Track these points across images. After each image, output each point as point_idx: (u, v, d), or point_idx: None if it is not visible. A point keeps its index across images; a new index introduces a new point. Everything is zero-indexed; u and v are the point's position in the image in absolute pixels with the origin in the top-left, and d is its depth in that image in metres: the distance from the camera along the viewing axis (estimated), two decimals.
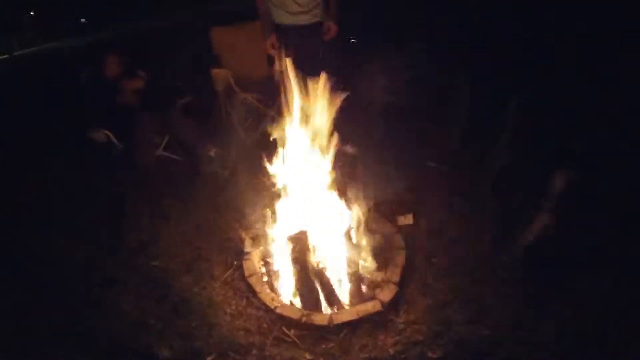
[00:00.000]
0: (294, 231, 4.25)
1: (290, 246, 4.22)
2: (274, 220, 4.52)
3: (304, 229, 4.23)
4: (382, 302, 4.29)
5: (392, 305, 4.35)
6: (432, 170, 5.81)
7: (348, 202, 4.58)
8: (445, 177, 5.67)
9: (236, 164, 5.39)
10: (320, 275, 4.32)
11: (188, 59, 6.69)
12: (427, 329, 4.17)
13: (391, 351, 4.04)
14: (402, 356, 4.01)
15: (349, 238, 4.41)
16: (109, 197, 5.41)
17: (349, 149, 5.79)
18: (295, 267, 4.26)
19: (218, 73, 6.07)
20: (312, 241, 4.29)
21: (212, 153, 5.79)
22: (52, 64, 15.97)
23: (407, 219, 5.06)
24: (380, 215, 5.03)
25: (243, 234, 4.78)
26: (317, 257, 4.35)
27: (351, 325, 4.18)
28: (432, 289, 4.49)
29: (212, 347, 4.07)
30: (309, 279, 4.23)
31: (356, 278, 4.42)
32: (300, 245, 4.19)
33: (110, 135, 5.61)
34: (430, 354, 3.99)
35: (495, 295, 4.34)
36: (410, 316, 4.29)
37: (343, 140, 4.41)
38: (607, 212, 4.51)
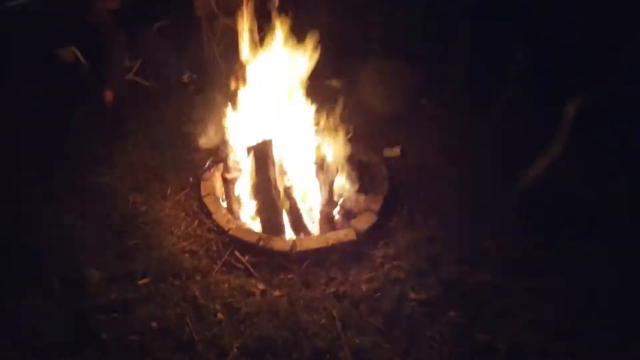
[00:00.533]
0: (256, 141, 3.42)
1: (250, 157, 3.40)
2: (238, 132, 3.69)
3: (268, 138, 3.41)
4: (356, 231, 3.47)
5: (370, 237, 3.60)
6: (427, 109, 4.99)
7: (325, 119, 3.75)
8: (440, 116, 4.90)
9: (209, 91, 4.56)
10: (286, 195, 3.51)
11: None
12: (409, 266, 3.44)
13: (364, 288, 3.33)
14: (377, 294, 3.30)
15: (323, 158, 3.58)
16: (69, 117, 4.67)
17: (334, 82, 5.12)
18: (254, 182, 3.45)
19: None
20: (277, 154, 3.47)
21: (185, 79, 5.01)
22: None
23: (394, 152, 4.31)
24: (364, 146, 4.17)
25: (202, 149, 3.95)
26: (284, 175, 3.53)
27: (317, 255, 3.43)
28: (419, 224, 3.74)
29: (149, 270, 3.37)
30: (271, 197, 3.43)
31: (329, 203, 3.61)
32: (261, 156, 3.39)
33: (78, 53, 4.84)
34: (412, 295, 3.28)
35: (494, 237, 3.61)
36: (390, 251, 3.54)
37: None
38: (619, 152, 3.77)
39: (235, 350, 2.96)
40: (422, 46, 5.21)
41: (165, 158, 4.30)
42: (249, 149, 3.48)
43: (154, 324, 3.08)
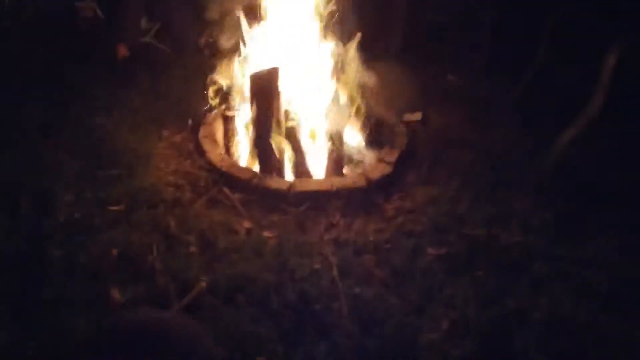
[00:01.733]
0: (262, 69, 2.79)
1: (251, 85, 2.77)
2: (246, 69, 3.08)
3: (274, 66, 2.77)
4: (367, 179, 2.75)
5: (382, 187, 2.88)
6: (451, 83, 4.24)
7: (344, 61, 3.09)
8: (466, 87, 4.13)
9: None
10: (289, 133, 2.84)
11: None
12: (427, 220, 2.77)
13: (371, 238, 2.59)
14: (387, 245, 2.60)
15: (337, 97, 2.92)
16: (81, 65, 4.17)
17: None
18: (253, 114, 2.79)
19: None
20: (283, 86, 2.82)
21: (202, 43, 4.46)
22: None
23: (415, 116, 3.58)
24: (383, 107, 3.48)
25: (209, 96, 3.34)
26: (289, 110, 2.86)
27: (319, 198, 2.69)
28: (439, 184, 3.06)
29: (124, 198, 2.73)
30: (270, 132, 2.75)
31: (338, 149, 2.91)
32: (264, 85, 2.75)
33: (97, 8, 4.39)
34: (430, 249, 2.59)
35: (526, 202, 2.90)
36: (405, 204, 2.85)
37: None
38: None
39: (202, 285, 2.22)
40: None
41: (169, 107, 3.72)
42: (251, 77, 2.83)
43: (114, 251, 2.44)
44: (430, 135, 3.57)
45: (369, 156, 3.21)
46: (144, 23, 4.75)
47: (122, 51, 4.32)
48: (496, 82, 4.03)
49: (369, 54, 3.40)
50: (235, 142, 3.17)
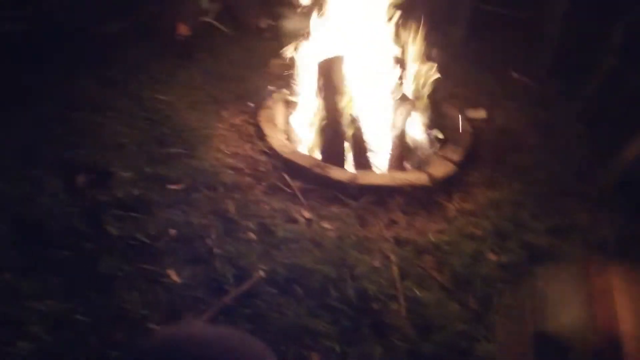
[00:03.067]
0: (327, 56, 2.64)
1: (318, 74, 2.62)
2: (309, 54, 2.93)
3: (340, 54, 2.62)
4: (430, 177, 2.58)
5: (444, 186, 2.71)
6: (515, 81, 4.02)
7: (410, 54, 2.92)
8: (531, 87, 3.92)
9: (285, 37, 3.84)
10: (353, 124, 2.69)
11: None
12: (490, 224, 2.60)
13: (432, 238, 2.41)
14: (447, 247, 2.43)
15: (402, 91, 2.75)
16: (141, 43, 4.09)
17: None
18: (319, 102, 2.65)
19: None
20: (349, 74, 2.67)
21: (263, 25, 4.33)
22: None
23: (478, 113, 3.39)
24: (447, 102, 3.29)
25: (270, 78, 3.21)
26: (353, 100, 2.71)
27: (381, 193, 2.55)
28: (502, 186, 2.89)
29: (183, 178, 2.62)
30: (335, 121, 2.62)
31: (402, 143, 2.75)
32: (330, 73, 2.60)
33: None
34: (490, 255, 2.42)
35: (592, 213, 2.71)
36: (467, 205, 2.67)
37: None
38: None
39: (261, 274, 2.11)
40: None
41: (229, 87, 3.62)
42: (319, 65, 2.69)
43: (172, 231, 2.34)
44: (493, 134, 3.38)
45: (432, 152, 3.04)
46: (205, 3, 4.65)
47: (183, 30, 4.22)
48: (563, 83, 3.78)
49: (433, 44, 3.22)
50: (295, 127, 3.02)
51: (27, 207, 2.48)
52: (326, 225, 2.46)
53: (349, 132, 2.80)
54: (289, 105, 3.05)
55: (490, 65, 4.09)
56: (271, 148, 2.85)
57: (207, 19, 4.58)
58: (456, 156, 2.89)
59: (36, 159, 2.81)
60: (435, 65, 3.12)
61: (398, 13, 3.07)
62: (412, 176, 2.71)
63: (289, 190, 2.64)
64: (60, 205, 2.51)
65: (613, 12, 3.61)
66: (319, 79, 2.74)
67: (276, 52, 3.53)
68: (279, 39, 3.88)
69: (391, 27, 3.04)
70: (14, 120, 3.06)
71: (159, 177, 2.71)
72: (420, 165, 2.91)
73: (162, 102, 3.43)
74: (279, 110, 3.14)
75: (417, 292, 2.19)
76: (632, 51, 3.50)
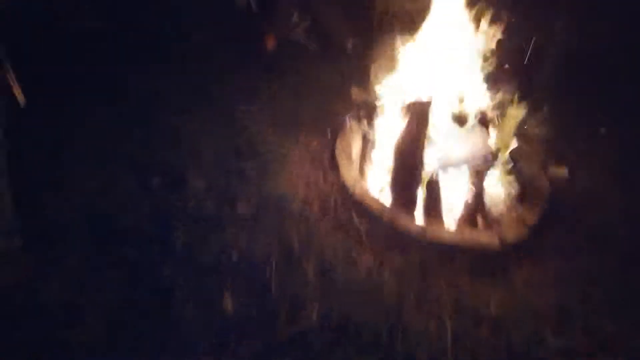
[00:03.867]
0: (414, 99, 2.56)
1: (403, 116, 2.55)
2: (392, 90, 2.86)
3: (429, 99, 2.54)
4: (501, 239, 2.46)
5: (515, 251, 2.55)
6: (603, 137, 3.72)
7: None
8: (619, 149, 3.56)
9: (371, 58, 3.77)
10: (430, 173, 2.59)
11: None
12: (555, 300, 2.45)
13: (492, 308, 2.37)
14: (507, 321, 2.32)
15: (485, 142, 2.63)
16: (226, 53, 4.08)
17: None
18: (399, 143, 2.58)
19: None
20: (434, 123, 2.58)
21: (351, 45, 4.28)
22: None
23: (560, 170, 3.19)
24: (528, 158, 3.13)
25: (352, 105, 3.15)
26: (434, 148, 2.62)
27: (447, 249, 2.50)
28: (576, 254, 2.70)
29: (253, 197, 2.72)
30: (413, 165, 2.54)
31: (477, 199, 2.64)
32: (416, 115, 2.52)
33: None
34: (550, 337, 2.28)
35: None
36: (535, 276, 2.51)
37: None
38: None
39: (314, 316, 2.08)
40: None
41: (309, 107, 3.59)
42: (405, 107, 2.62)
43: (235, 254, 2.30)
44: (575, 195, 3.19)
45: (507, 211, 2.90)
46: (295, 18, 4.65)
47: (271, 42, 4.25)
48: None
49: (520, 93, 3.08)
50: (370, 163, 2.96)
51: (101, 200, 2.59)
52: (387, 274, 2.40)
53: (425, 180, 2.70)
54: (367, 138, 2.98)
55: (576, 115, 3.84)
56: (343, 182, 2.80)
57: (295, 34, 4.59)
58: (531, 218, 2.75)
59: (115, 155, 2.92)
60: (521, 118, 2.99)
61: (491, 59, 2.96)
62: (482, 236, 2.59)
63: (354, 232, 2.58)
64: (132, 202, 2.60)
65: None
66: (402, 121, 2.66)
67: (361, 78, 3.47)
68: (366, 63, 3.82)
69: (482, 73, 2.93)
70: (97, 116, 3.17)
71: (231, 192, 2.74)
72: (492, 224, 2.78)
73: (242, 112, 3.45)
74: (356, 142, 3.09)
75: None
76: None
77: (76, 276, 2.24)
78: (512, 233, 2.64)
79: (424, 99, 2.67)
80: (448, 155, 2.75)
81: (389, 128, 2.92)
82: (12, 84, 2.03)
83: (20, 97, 2.25)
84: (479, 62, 2.92)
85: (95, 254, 2.33)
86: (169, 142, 3.07)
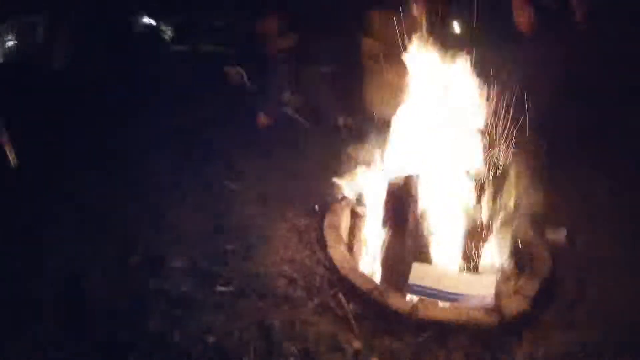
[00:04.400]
0: (398, 175, 2.50)
1: (388, 190, 2.47)
2: (380, 166, 2.80)
3: (413, 174, 2.47)
4: (500, 314, 2.29)
5: (516, 326, 2.35)
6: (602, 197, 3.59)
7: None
8: (620, 202, 3.48)
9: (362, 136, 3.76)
10: (421, 248, 2.47)
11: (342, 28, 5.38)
12: None
13: None
14: None
15: (477, 218, 2.53)
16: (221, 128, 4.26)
17: None
18: (386, 223, 2.48)
19: (367, 44, 4.65)
20: (421, 195, 2.49)
21: (341, 122, 4.33)
22: None
23: (558, 233, 3.08)
24: (523, 222, 2.99)
25: (340, 183, 3.09)
26: (423, 224, 2.52)
27: (442, 329, 2.29)
28: (582, 325, 2.50)
29: (234, 280, 2.47)
30: (402, 245, 2.42)
31: (474, 270, 2.49)
32: (401, 194, 2.44)
33: (244, 75, 4.48)
34: None
35: None
36: (538, 351, 2.34)
37: None
38: None
39: None
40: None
41: (299, 184, 3.55)
42: (389, 182, 2.54)
43: (210, 338, 2.16)
44: (576, 260, 3.01)
45: (504, 279, 2.73)
46: (287, 96, 4.74)
47: (263, 120, 4.30)
48: None
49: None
50: (360, 241, 2.84)
51: (78, 279, 2.50)
52: (374, 359, 2.19)
53: (417, 254, 2.56)
54: (357, 215, 2.87)
55: (574, 172, 3.72)
56: (330, 261, 2.67)
57: (288, 111, 4.64)
58: (531, 290, 2.57)
59: (96, 229, 2.90)
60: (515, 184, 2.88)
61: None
62: (480, 312, 2.40)
63: (340, 313, 2.41)
64: (109, 284, 2.51)
65: None
66: (386, 200, 2.57)
67: (351, 154, 3.44)
68: (356, 140, 3.80)
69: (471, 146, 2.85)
70: (82, 191, 3.22)
71: (211, 274, 2.64)
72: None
73: (230, 191, 3.41)
74: (344, 219, 2.99)
75: None
76: None
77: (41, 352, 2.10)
78: (511, 307, 2.45)
79: (408, 176, 2.58)
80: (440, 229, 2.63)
81: (378, 203, 2.81)
82: (8, 151, 2.01)
83: (14, 161, 2.25)
84: (471, 132, 2.84)
85: (68, 340, 2.19)
86: (154, 219, 3.04)
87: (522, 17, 3.79)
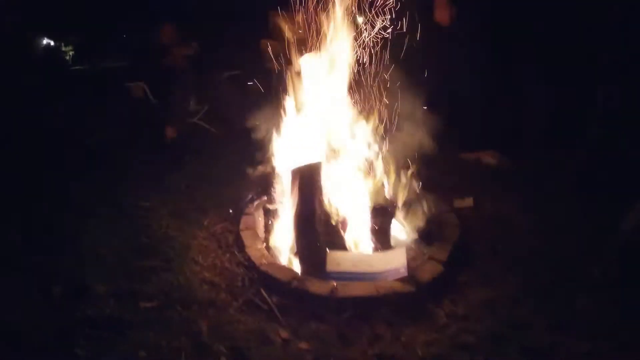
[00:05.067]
0: (302, 164, 2.59)
1: (293, 181, 2.56)
2: (286, 160, 2.89)
3: (316, 162, 2.57)
4: (416, 282, 2.44)
5: (433, 291, 2.54)
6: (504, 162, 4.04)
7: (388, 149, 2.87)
8: (518, 168, 3.91)
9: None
10: (332, 231, 2.58)
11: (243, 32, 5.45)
12: (484, 329, 2.39)
13: (420, 352, 2.26)
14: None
15: (381, 194, 2.67)
16: (130, 145, 4.23)
17: None
18: (295, 212, 2.57)
19: (266, 45, 4.74)
20: (326, 181, 2.60)
21: (248, 125, 4.35)
22: None
23: (466, 202, 3.37)
24: (431, 194, 3.19)
25: (251, 183, 3.15)
26: (332, 208, 2.63)
27: (363, 305, 2.43)
28: (496, 281, 2.71)
29: (158, 294, 2.49)
30: (314, 232, 2.52)
31: (386, 246, 2.62)
32: (306, 181, 2.53)
33: (147, 90, 4.40)
34: None
35: (593, 297, 2.55)
36: (458, 309, 2.51)
37: None
38: None
39: None
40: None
41: (212, 192, 3.58)
42: (293, 173, 2.62)
43: (142, 353, 2.19)
44: (484, 223, 3.25)
45: (416, 250, 2.90)
46: (192, 105, 4.73)
47: (170, 132, 4.27)
48: (552, 163, 3.76)
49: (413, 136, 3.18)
50: (275, 235, 2.91)
51: (6, 316, 2.42)
52: (304, 345, 2.28)
53: (330, 238, 2.67)
54: (270, 212, 2.94)
55: (474, 149, 4.00)
56: (249, 260, 2.73)
57: (195, 120, 4.63)
58: (443, 255, 2.75)
59: (18, 263, 2.81)
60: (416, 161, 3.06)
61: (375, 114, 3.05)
62: (396, 283, 2.54)
63: (266, 307, 2.47)
64: (35, 318, 2.43)
65: (592, 82, 3.62)
66: (292, 187, 2.66)
67: (259, 155, 3.49)
68: (264, 141, 3.86)
69: (369, 127, 3.00)
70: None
71: (133, 292, 2.61)
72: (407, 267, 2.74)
73: (144, 209, 3.38)
74: (259, 218, 3.04)
75: None
76: (615, 117, 3.47)
77: None
78: (425, 273, 2.61)
79: (311, 163, 2.68)
80: (349, 211, 2.75)
81: (287, 197, 2.90)
82: None
83: None
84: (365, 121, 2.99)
85: None
86: (72, 246, 2.98)
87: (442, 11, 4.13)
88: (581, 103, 3.76)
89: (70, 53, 6.86)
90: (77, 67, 6.50)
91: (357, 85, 2.99)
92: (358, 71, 2.95)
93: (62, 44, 6.81)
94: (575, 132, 3.77)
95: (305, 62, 2.95)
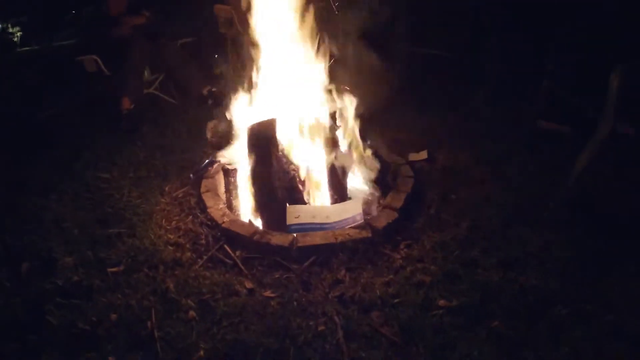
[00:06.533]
0: (258, 120, 2.70)
1: (249, 139, 2.67)
2: (244, 120, 2.98)
3: (271, 117, 2.68)
4: (373, 228, 2.60)
5: (389, 236, 2.73)
6: (457, 119, 4.18)
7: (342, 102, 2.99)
8: (472, 125, 4.06)
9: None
10: (290, 184, 2.71)
11: None
12: (437, 269, 2.59)
13: (378, 292, 2.44)
14: (396, 300, 2.41)
15: (337, 146, 2.80)
16: (87, 119, 4.26)
17: None
18: (252, 168, 2.69)
19: (220, 10, 4.76)
20: (282, 135, 2.72)
21: (205, 92, 4.42)
22: None
23: (420, 155, 3.50)
24: (387, 149, 3.36)
25: (211, 148, 3.24)
26: (289, 162, 2.75)
27: (323, 253, 2.59)
28: (449, 226, 2.90)
29: (123, 259, 2.61)
30: (271, 187, 2.65)
31: (341, 200, 2.77)
32: (261, 137, 2.65)
33: (100, 63, 4.37)
34: (440, 301, 2.39)
35: (543, 240, 2.74)
36: (413, 252, 2.70)
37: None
38: None
39: (202, 353, 2.09)
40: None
41: (172, 159, 3.66)
42: (248, 131, 2.73)
43: (113, 316, 2.32)
44: (438, 174, 3.44)
45: (372, 200, 3.06)
46: (147, 75, 4.74)
47: (126, 104, 4.29)
48: (505, 113, 3.94)
49: (370, 94, 3.30)
50: (236, 195, 3.03)
51: None
52: (269, 294, 2.44)
53: (288, 192, 2.81)
54: (229, 172, 3.05)
55: (430, 106, 4.18)
56: (211, 219, 2.85)
57: (151, 90, 4.65)
58: (398, 203, 2.91)
59: None
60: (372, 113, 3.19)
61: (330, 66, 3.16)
62: (353, 230, 2.71)
63: (230, 262, 2.62)
64: (4, 295, 2.53)
65: (545, 42, 3.78)
66: (249, 144, 2.77)
67: (217, 118, 3.57)
68: (221, 104, 3.93)
69: (324, 82, 3.11)
70: None
71: (100, 260, 2.72)
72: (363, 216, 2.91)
73: (105, 180, 3.45)
74: (220, 179, 3.15)
75: (363, 354, 2.15)
76: (564, 74, 3.66)
77: None
78: (381, 220, 2.78)
79: (266, 120, 2.79)
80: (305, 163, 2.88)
81: (245, 155, 3.01)
82: None
83: None
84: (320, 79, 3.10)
85: None
86: (36, 224, 3.04)
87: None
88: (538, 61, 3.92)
89: (18, 34, 6.70)
90: (26, 48, 6.37)
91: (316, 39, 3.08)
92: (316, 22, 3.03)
93: (9, 25, 6.64)
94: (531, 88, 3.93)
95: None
